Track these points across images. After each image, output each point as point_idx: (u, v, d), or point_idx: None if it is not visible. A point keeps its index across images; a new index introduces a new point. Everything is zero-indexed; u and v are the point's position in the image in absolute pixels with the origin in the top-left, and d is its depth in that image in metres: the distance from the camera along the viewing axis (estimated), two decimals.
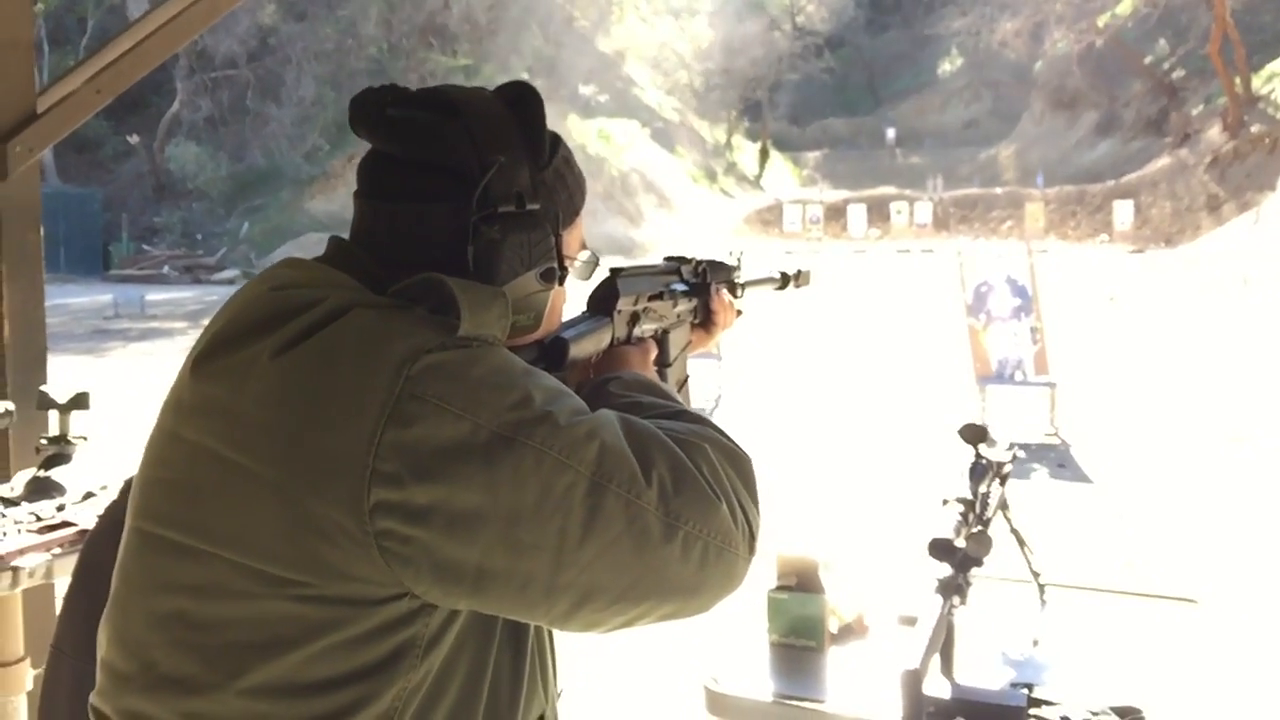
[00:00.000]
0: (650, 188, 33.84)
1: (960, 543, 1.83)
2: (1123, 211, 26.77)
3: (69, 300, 19.74)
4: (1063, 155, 34.32)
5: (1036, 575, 2.25)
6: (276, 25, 30.99)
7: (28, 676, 2.39)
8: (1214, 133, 27.56)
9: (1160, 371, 10.97)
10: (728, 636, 2.19)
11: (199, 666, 0.91)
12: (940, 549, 1.81)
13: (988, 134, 40.48)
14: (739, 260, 1.58)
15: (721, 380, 9.75)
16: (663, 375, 1.37)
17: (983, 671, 1.92)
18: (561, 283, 1.11)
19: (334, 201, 26.70)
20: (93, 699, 0.99)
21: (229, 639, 0.91)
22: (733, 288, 1.55)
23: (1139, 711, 1.75)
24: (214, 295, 20.91)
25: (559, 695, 1.13)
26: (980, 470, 2.06)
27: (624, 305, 1.28)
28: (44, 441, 2.59)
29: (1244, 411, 8.92)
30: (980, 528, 1.92)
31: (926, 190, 32.32)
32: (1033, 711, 1.73)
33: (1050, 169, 32.15)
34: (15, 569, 2.16)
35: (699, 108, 41.63)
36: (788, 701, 1.97)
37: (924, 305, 15.55)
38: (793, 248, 27.04)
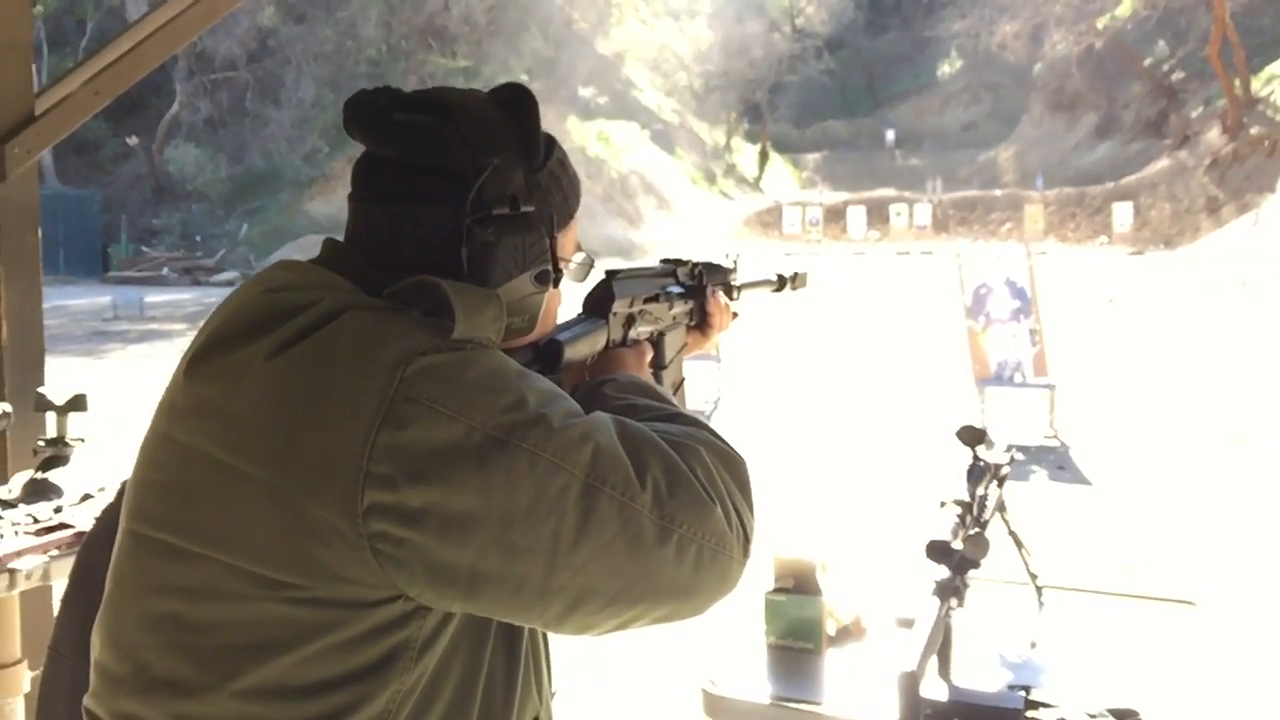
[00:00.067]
0: (650, 190, 33.86)
1: (958, 545, 1.83)
2: (1122, 213, 26.79)
3: (68, 302, 19.74)
4: (1062, 157, 34.34)
5: (1034, 577, 2.25)
6: (276, 27, 31.01)
7: (25, 679, 2.38)
8: (1213, 135, 27.59)
9: (1159, 373, 10.97)
10: (725, 638, 2.19)
11: (192, 669, 0.91)
12: (937, 551, 1.81)
13: (987, 136, 40.51)
14: (735, 262, 1.58)
15: (721, 382, 9.74)
16: (658, 378, 1.36)
17: (980, 674, 1.91)
18: (556, 285, 1.11)
19: (333, 203, 26.70)
20: (86, 701, 0.99)
21: (222, 641, 0.91)
22: (729, 290, 1.55)
23: (1136, 714, 1.75)
24: (213, 297, 20.90)
25: (552, 696, 1.13)
26: (978, 472, 2.06)
27: (619, 307, 1.28)
28: (41, 443, 2.59)
29: (1243, 413, 8.92)
30: (978, 530, 1.92)
31: (926, 192, 32.35)
32: (1030, 714, 1.73)
33: (1049, 171, 32.18)
34: (12, 571, 2.16)
35: (698, 110, 41.66)
36: (785, 704, 1.96)
37: (923, 307, 15.56)
38: (792, 249, 27.07)
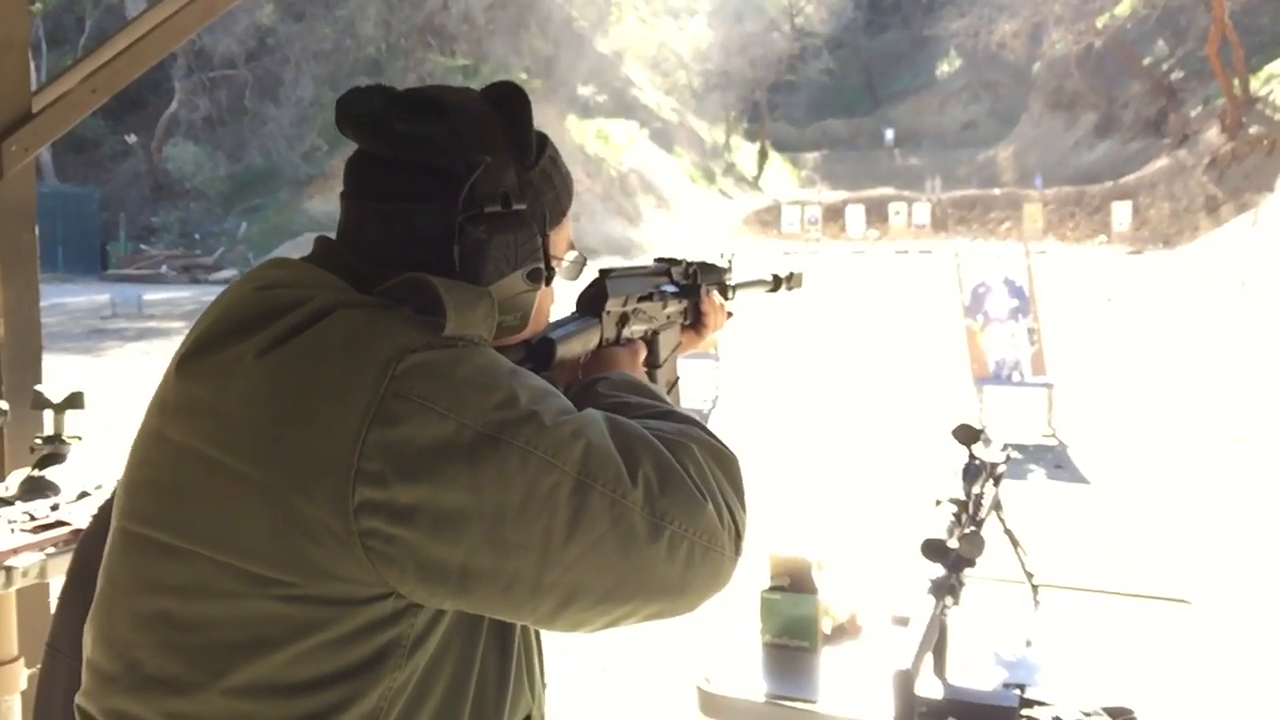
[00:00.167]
0: (649, 188, 33.85)
1: (953, 543, 1.83)
2: (1121, 213, 26.79)
3: (66, 300, 19.73)
4: (1061, 156, 34.34)
5: (1030, 576, 2.25)
6: (275, 25, 31.00)
7: (22, 676, 2.39)
8: (1212, 134, 27.58)
9: (1158, 373, 10.98)
10: (721, 637, 2.19)
11: (184, 666, 0.91)
12: (933, 549, 1.81)
13: (986, 135, 40.52)
14: (730, 262, 1.58)
15: (719, 381, 9.75)
16: (652, 376, 1.37)
17: (975, 672, 1.92)
18: (548, 283, 1.11)
19: (332, 202, 26.55)
20: (78, 699, 0.99)
21: (214, 639, 0.91)
22: (724, 289, 1.55)
23: (1131, 712, 1.75)
24: (211, 295, 20.54)
25: (543, 690, 1.13)
26: (974, 471, 2.06)
27: (613, 306, 1.28)
28: (39, 441, 2.59)
29: (1242, 413, 8.93)
30: (973, 528, 1.92)
31: (925, 191, 32.35)
32: (1025, 712, 1.73)
33: (1049, 170, 32.18)
34: (9, 568, 2.16)
35: (698, 108, 41.65)
36: (780, 702, 1.97)
37: (922, 306, 15.56)
38: (791, 248, 27.06)
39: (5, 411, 2.71)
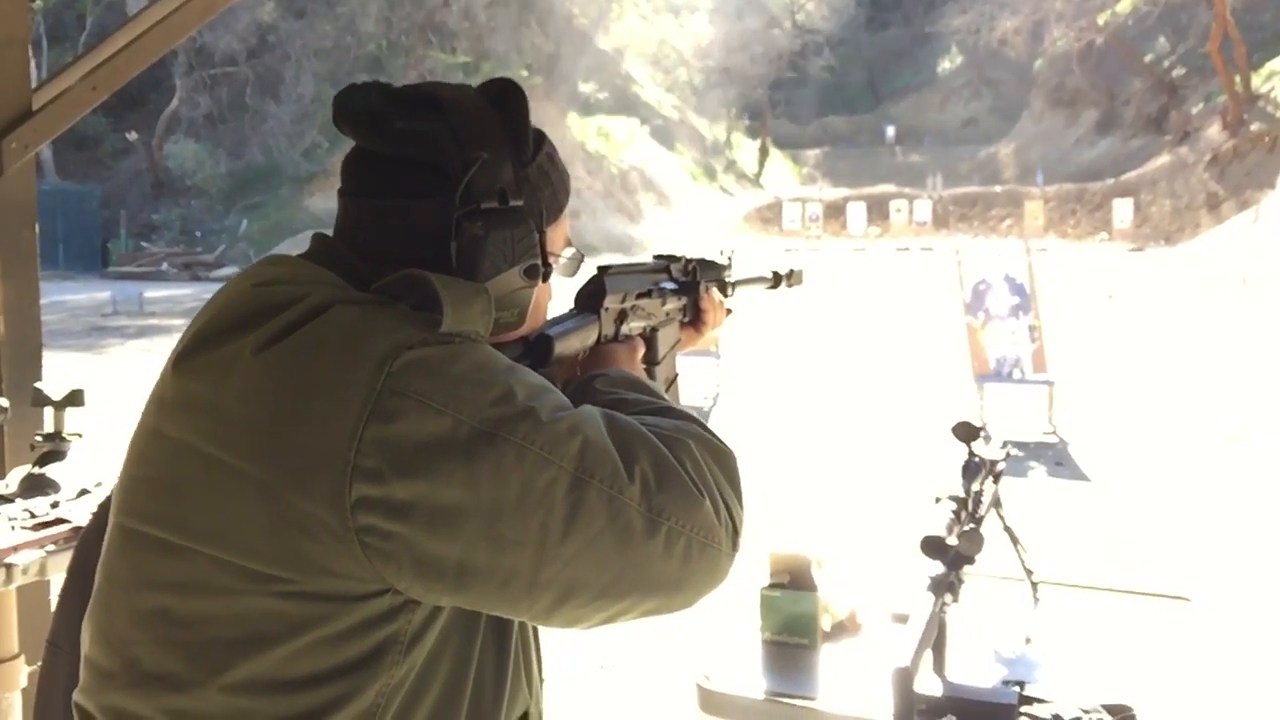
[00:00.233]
0: (650, 185, 33.84)
1: (952, 540, 1.84)
2: (1122, 210, 26.76)
3: (67, 297, 19.75)
4: (1062, 153, 34.31)
5: (1029, 573, 2.26)
6: (276, 22, 30.99)
7: (22, 673, 2.39)
8: (1214, 131, 27.55)
9: (1159, 370, 10.97)
10: (720, 634, 2.19)
11: (182, 663, 0.91)
12: (932, 547, 1.81)
13: (987, 132, 40.48)
14: (729, 259, 1.58)
15: (720, 378, 9.75)
16: (651, 373, 1.36)
17: (974, 669, 1.92)
18: (545, 279, 1.11)
19: (333, 199, 26.08)
20: (76, 696, 0.99)
21: (211, 635, 0.91)
22: (723, 286, 1.55)
23: (1130, 709, 1.75)
24: (212, 293, 20.87)
25: (541, 685, 1.13)
26: (973, 468, 2.07)
27: (611, 303, 1.28)
28: (39, 438, 2.59)
29: (1242, 410, 8.93)
30: (973, 525, 1.92)
31: (926, 188, 32.33)
32: (1024, 709, 1.73)
33: (1050, 167, 32.14)
34: (9, 566, 2.16)
35: (698, 105, 41.63)
36: (780, 699, 1.97)
37: (923, 303, 15.55)
38: (792, 246, 27.05)
39: (5, 409, 2.72)
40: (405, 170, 1.02)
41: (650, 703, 3.79)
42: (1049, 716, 1.73)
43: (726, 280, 1.56)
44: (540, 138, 1.11)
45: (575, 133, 32.00)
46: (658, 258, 1.45)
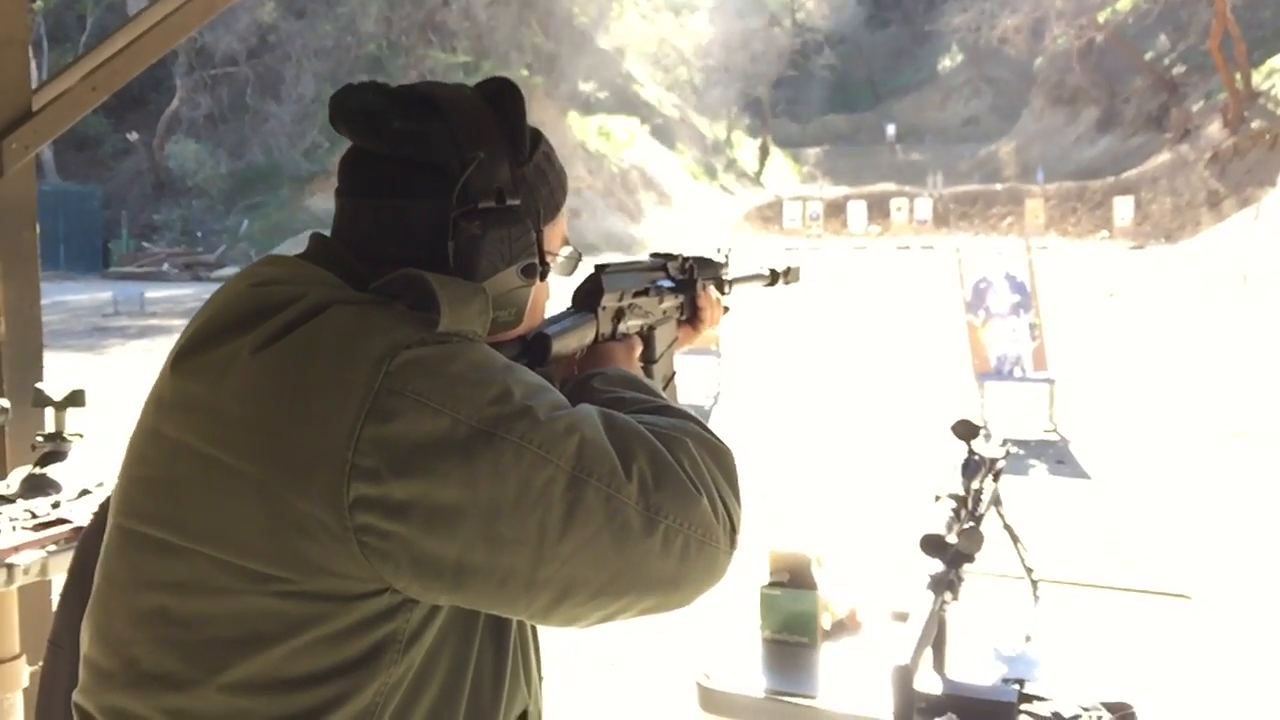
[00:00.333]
0: (650, 184, 33.83)
1: (952, 539, 1.83)
2: (1123, 207, 26.74)
3: (68, 297, 19.75)
4: (1063, 151, 34.29)
5: (1029, 571, 2.26)
6: (276, 22, 30.99)
7: (24, 673, 2.39)
8: (1214, 128, 27.53)
9: (1160, 368, 10.97)
10: (720, 633, 2.20)
11: (180, 663, 0.91)
12: (932, 545, 1.81)
13: (988, 130, 40.48)
14: (727, 257, 1.58)
15: (721, 377, 9.75)
16: (648, 372, 1.37)
17: (974, 667, 1.92)
18: (543, 278, 1.11)
19: (333, 199, 26.60)
20: (76, 696, 0.99)
21: (210, 635, 0.91)
22: (720, 284, 1.55)
23: (1130, 707, 1.75)
24: (212, 292, 20.88)
25: (540, 683, 1.13)
26: (973, 466, 2.07)
27: (608, 301, 1.28)
28: (40, 439, 2.59)
29: (1243, 407, 8.92)
30: (972, 524, 1.92)
31: (927, 187, 32.32)
32: (1024, 707, 1.74)
33: (1050, 165, 32.13)
34: (10, 566, 2.16)
35: (699, 104, 41.63)
36: (780, 697, 1.97)
37: (923, 302, 15.55)
38: (793, 244, 27.03)
39: (6, 409, 2.72)
40: (402, 170, 1.02)
41: (650, 701, 3.79)
42: (1049, 714, 1.73)
43: (723, 278, 1.57)
44: (537, 137, 1.11)
45: (576, 132, 31.99)
46: (655, 256, 1.45)
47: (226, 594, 0.90)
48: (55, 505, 2.41)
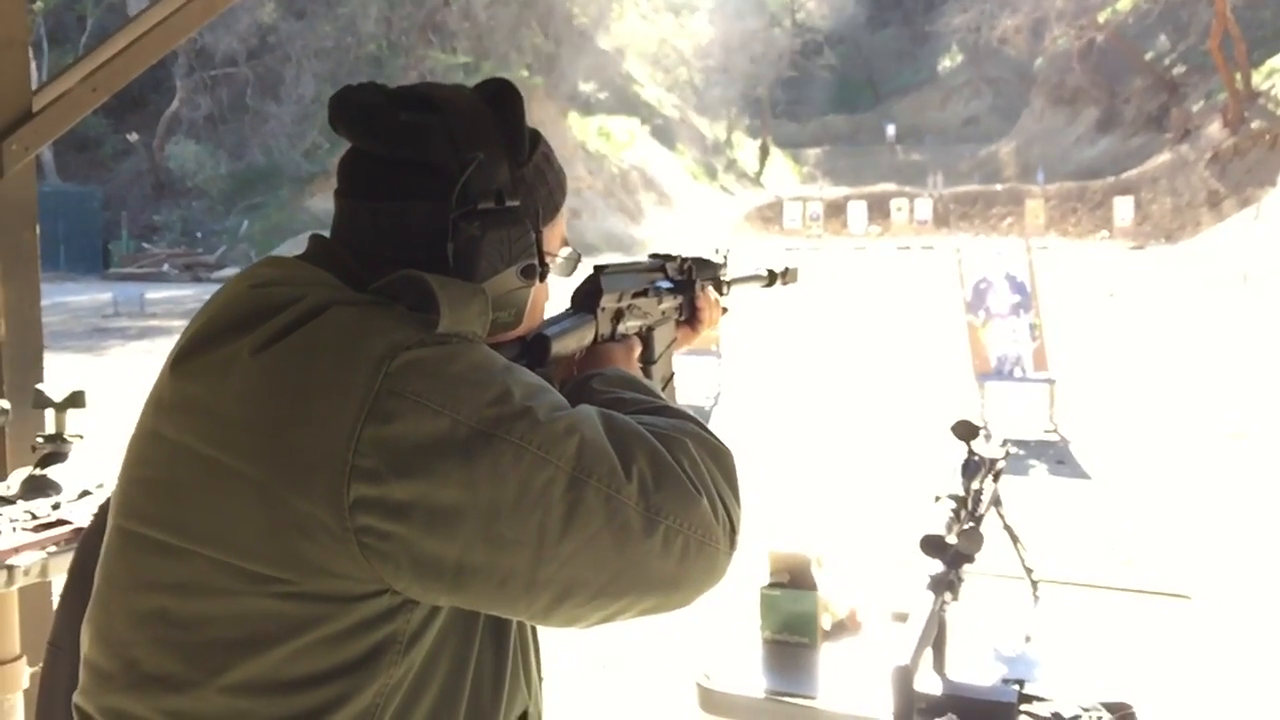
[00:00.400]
0: (650, 185, 33.83)
1: (952, 539, 1.84)
2: (1123, 208, 26.75)
3: (68, 298, 19.75)
4: (1063, 152, 34.30)
5: (1029, 571, 2.26)
6: (276, 23, 30.98)
7: (24, 674, 2.39)
8: (1214, 128, 27.53)
9: (1160, 368, 10.97)
10: (720, 633, 2.20)
11: (181, 664, 0.92)
12: (931, 545, 1.81)
13: (988, 130, 40.49)
14: (725, 257, 1.58)
15: (721, 377, 9.75)
16: (647, 372, 1.37)
17: (974, 667, 1.92)
18: (542, 279, 1.11)
19: (333, 200, 26.61)
20: (76, 698, 0.99)
21: (210, 636, 0.91)
22: (718, 285, 1.55)
23: (1130, 708, 1.75)
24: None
25: (540, 686, 1.13)
26: (973, 466, 2.07)
27: (607, 302, 1.28)
28: (40, 440, 2.60)
29: (1243, 407, 8.92)
30: (972, 524, 1.92)
31: (927, 187, 32.34)
32: (1024, 708, 1.74)
33: (1050, 165, 32.14)
34: (10, 567, 2.16)
35: (699, 105, 41.65)
36: (780, 698, 1.97)
37: (923, 302, 15.55)
38: (793, 245, 27.03)
39: (7, 410, 2.72)
40: (401, 171, 1.02)
41: (650, 702, 3.79)
42: (1049, 715, 1.73)
43: (722, 279, 1.57)
44: (536, 137, 1.11)
45: (576, 132, 32.00)
46: (653, 257, 1.45)
47: (227, 595, 0.90)
48: (55, 506, 2.41)
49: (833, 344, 12.95)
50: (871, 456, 7.59)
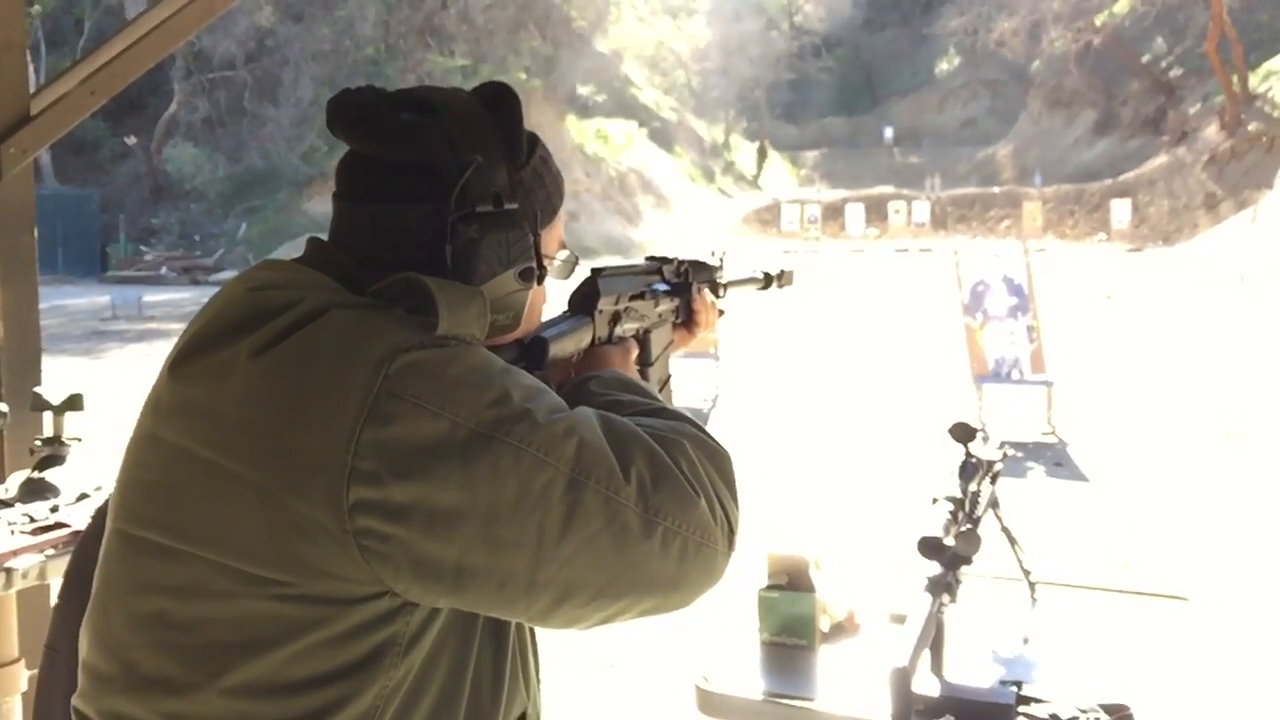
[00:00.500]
0: (648, 187, 33.84)
1: (950, 541, 1.84)
2: (1120, 210, 26.77)
3: (66, 301, 19.73)
4: (1060, 154, 34.33)
5: (1027, 573, 2.26)
6: (274, 26, 30.97)
7: (22, 677, 2.39)
8: (1211, 131, 27.57)
9: (1157, 370, 10.97)
10: (719, 635, 2.20)
11: (180, 667, 0.92)
12: (929, 547, 1.81)
13: (985, 133, 40.52)
14: (721, 260, 1.59)
15: (719, 380, 9.75)
16: (645, 375, 1.37)
17: (972, 669, 1.92)
18: (540, 282, 1.11)
19: (331, 202, 26.63)
20: (75, 701, 1.00)
21: (210, 639, 0.91)
22: (715, 287, 1.56)
23: (1128, 709, 1.76)
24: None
25: (538, 687, 1.13)
26: (970, 468, 2.07)
27: (605, 305, 1.28)
28: (38, 443, 2.60)
29: (1240, 409, 8.93)
30: (969, 526, 1.93)
31: (924, 189, 32.35)
32: (1021, 709, 1.74)
33: (1048, 168, 32.17)
34: (9, 570, 2.16)
35: (697, 107, 41.67)
36: (778, 700, 1.97)
37: (921, 304, 15.56)
38: (791, 247, 27.04)
39: (5, 413, 2.72)
40: (400, 174, 1.02)
41: (649, 703, 3.79)
42: (1046, 716, 1.73)
43: (718, 281, 1.57)
44: (534, 140, 1.12)
45: (574, 135, 32.01)
46: (650, 259, 1.46)
47: (226, 598, 0.90)
48: (54, 509, 2.41)
49: (831, 346, 12.95)
50: (869, 458, 7.59)
